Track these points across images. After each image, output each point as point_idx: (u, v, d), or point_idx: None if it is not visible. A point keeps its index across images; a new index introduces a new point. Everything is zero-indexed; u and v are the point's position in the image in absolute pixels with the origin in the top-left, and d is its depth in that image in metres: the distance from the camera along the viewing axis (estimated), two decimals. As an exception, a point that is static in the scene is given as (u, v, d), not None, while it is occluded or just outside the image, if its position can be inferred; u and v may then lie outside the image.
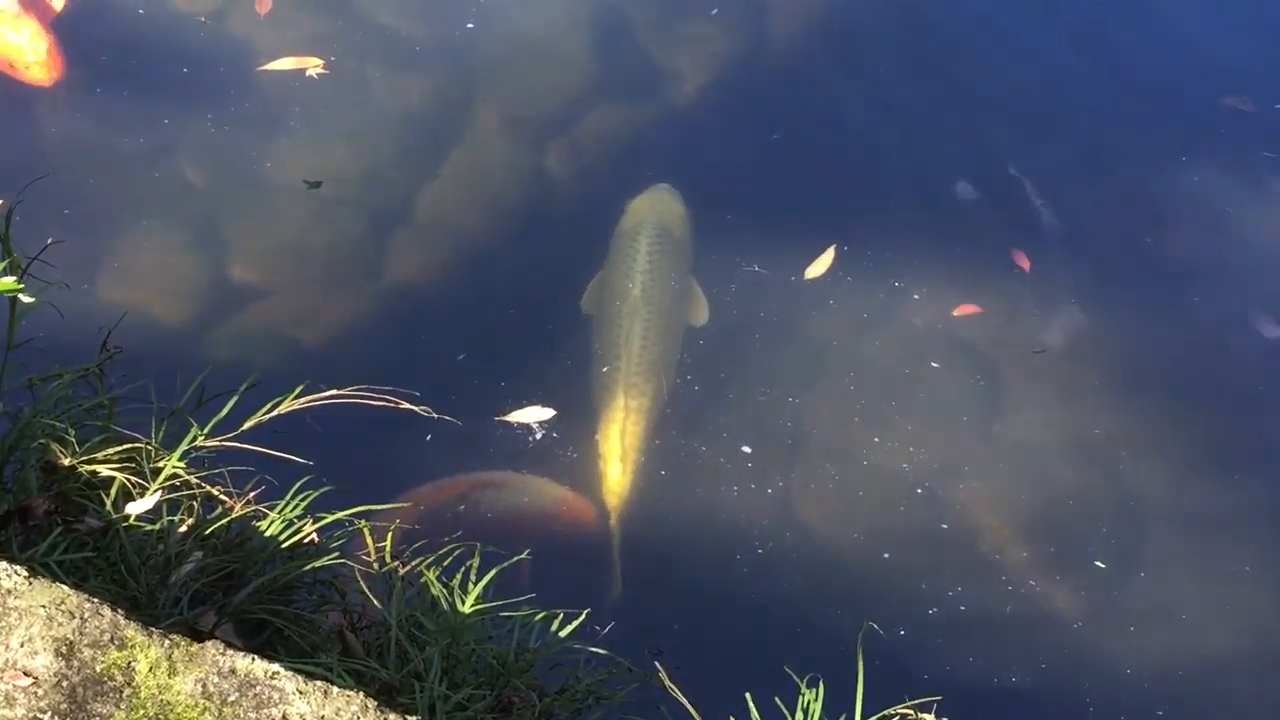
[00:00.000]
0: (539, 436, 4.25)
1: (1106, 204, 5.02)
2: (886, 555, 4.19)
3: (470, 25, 5.18)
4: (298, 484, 2.99)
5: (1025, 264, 4.80)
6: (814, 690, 2.91)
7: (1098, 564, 4.22)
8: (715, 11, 5.19)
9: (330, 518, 2.94)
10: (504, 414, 4.24)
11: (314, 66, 4.96)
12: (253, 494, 3.00)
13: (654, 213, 4.77)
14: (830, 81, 5.20)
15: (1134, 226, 4.99)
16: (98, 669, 2.32)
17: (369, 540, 2.97)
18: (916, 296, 4.70)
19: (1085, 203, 5.02)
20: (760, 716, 2.94)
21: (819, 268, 4.66)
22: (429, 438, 4.05)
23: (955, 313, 4.65)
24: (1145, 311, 4.80)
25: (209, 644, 2.40)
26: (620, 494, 4.22)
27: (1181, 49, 5.46)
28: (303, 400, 3.09)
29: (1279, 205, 5.05)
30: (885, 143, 5.08)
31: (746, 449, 4.31)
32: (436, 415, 3.27)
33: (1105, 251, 4.93)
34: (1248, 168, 5.11)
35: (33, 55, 4.84)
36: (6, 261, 2.83)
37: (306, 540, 2.92)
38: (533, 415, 4.27)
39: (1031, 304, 4.74)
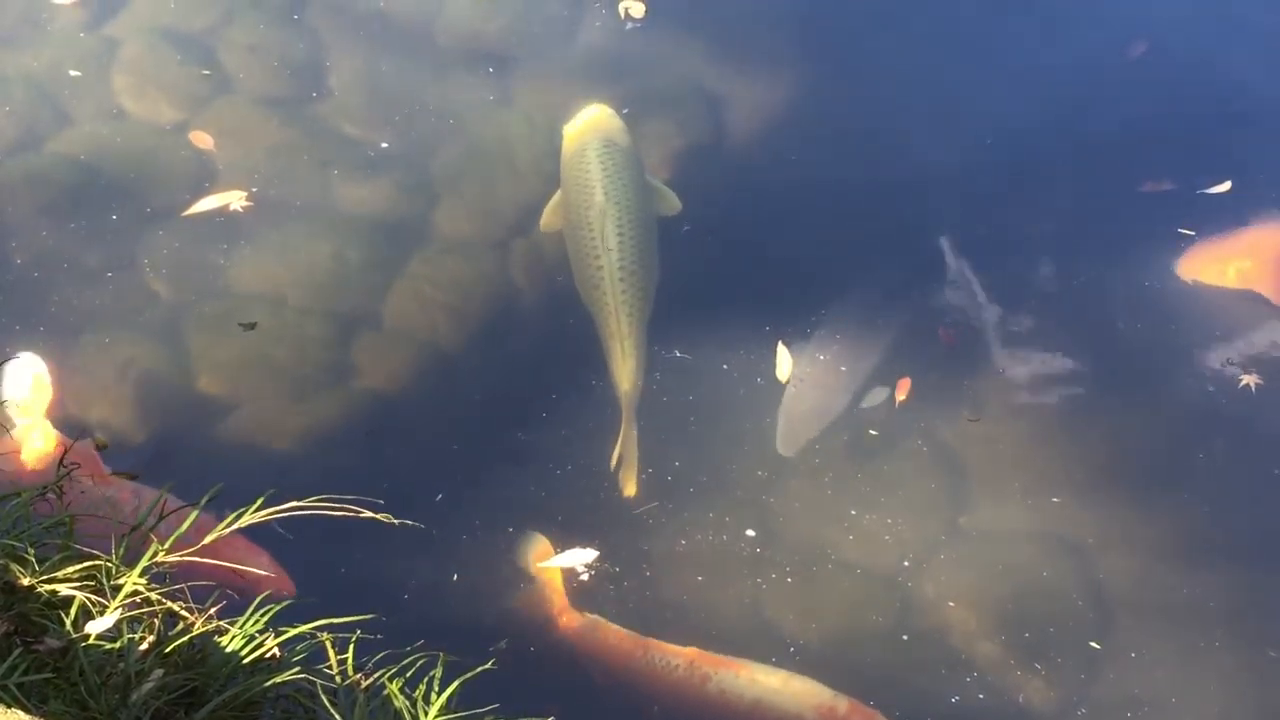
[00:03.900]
0: (586, 578, 4.16)
1: (1049, 283, 5.08)
2: (862, 653, 4.18)
3: (405, 139, 5.26)
4: (259, 598, 2.98)
5: (950, 340, 4.84)
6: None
7: (1092, 644, 4.21)
8: (626, 111, 5.26)
9: (292, 631, 2.93)
10: (544, 561, 4.13)
11: (238, 199, 4.97)
12: (214, 609, 2.98)
13: (593, 130, 5.01)
14: (786, 175, 5.27)
15: (1092, 309, 5.04)
16: (53, 795, 2.30)
17: (331, 654, 2.95)
18: (855, 379, 4.72)
19: (1030, 283, 5.07)
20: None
21: (784, 370, 4.69)
22: (455, 577, 4.07)
23: (899, 395, 4.68)
24: (1104, 391, 4.83)
25: (166, 766, 2.38)
26: (631, 379, 4.40)
27: (1106, 125, 5.56)
28: (264, 513, 3.08)
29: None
30: (837, 235, 5.14)
31: (708, 547, 4.29)
32: (398, 521, 3.27)
33: (1055, 331, 4.96)
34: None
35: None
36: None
37: (268, 655, 2.90)
38: (575, 558, 4.12)
39: (967, 381, 4.77)
